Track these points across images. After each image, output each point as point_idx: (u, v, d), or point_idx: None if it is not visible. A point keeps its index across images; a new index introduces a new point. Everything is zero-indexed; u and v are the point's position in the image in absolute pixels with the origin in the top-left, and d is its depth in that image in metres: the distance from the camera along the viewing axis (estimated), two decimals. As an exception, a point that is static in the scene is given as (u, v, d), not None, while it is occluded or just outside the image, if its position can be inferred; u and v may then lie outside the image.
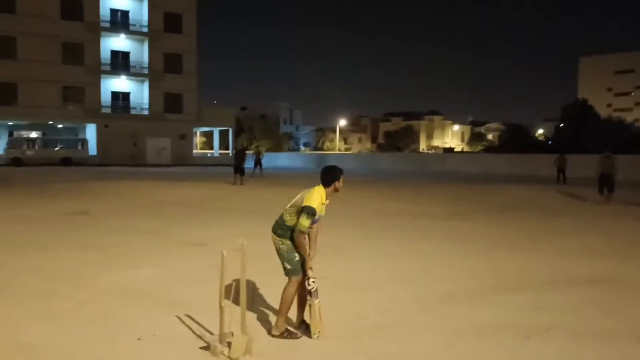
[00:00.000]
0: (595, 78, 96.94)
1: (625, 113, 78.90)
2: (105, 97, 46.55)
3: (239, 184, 21.47)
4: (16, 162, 37.48)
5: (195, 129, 54.22)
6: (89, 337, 4.55)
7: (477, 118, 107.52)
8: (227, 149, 53.94)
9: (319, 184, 4.64)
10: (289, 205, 4.65)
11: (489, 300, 5.82)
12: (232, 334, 4.19)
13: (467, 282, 6.62)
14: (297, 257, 4.58)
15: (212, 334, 4.53)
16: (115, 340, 4.48)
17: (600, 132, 47.82)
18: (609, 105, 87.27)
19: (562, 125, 57.93)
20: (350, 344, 4.52)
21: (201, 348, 4.32)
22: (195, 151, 53.85)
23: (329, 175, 4.66)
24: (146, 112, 48.10)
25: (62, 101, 44.48)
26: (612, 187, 15.83)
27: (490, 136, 78.58)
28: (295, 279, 4.57)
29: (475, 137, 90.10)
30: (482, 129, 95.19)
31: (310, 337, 4.57)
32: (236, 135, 56.52)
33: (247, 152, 24.48)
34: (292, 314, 4.75)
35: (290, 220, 4.56)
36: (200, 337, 4.55)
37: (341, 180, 4.68)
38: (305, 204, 4.49)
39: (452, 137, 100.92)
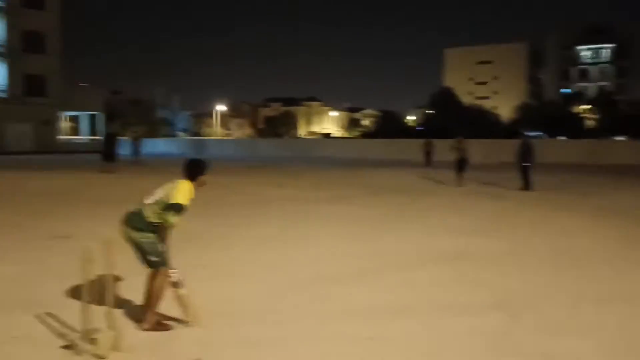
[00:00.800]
0: (460, 68, 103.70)
1: (484, 101, 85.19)
2: (-46, 78, 41.96)
3: (109, 172, 20.09)
4: None
5: (60, 114, 50.51)
6: None
7: (355, 105, 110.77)
8: (98, 134, 50.80)
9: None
10: (150, 200, 4.34)
11: (363, 281, 6.02)
12: (98, 331, 3.94)
13: (344, 264, 6.81)
14: (162, 248, 4.37)
15: (76, 332, 4.23)
16: (-37, 346, 4.04)
17: (463, 118, 51.16)
18: (471, 93, 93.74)
19: (429, 112, 61.29)
20: (228, 330, 4.45)
21: (62, 347, 4.01)
22: (61, 137, 50.09)
23: (195, 169, 4.45)
24: (3, 95, 43.96)
25: None
26: (464, 168, 17.17)
27: (366, 122, 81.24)
28: (164, 270, 4.35)
29: (352, 123, 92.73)
30: (358, 115, 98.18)
31: (185, 326, 4.43)
32: (108, 120, 53.45)
33: (118, 137, 22.92)
34: (164, 308, 4.54)
35: (153, 217, 4.28)
36: (62, 335, 4.23)
37: (206, 175, 4.47)
38: (173, 201, 4.22)
39: (330, 123, 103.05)
